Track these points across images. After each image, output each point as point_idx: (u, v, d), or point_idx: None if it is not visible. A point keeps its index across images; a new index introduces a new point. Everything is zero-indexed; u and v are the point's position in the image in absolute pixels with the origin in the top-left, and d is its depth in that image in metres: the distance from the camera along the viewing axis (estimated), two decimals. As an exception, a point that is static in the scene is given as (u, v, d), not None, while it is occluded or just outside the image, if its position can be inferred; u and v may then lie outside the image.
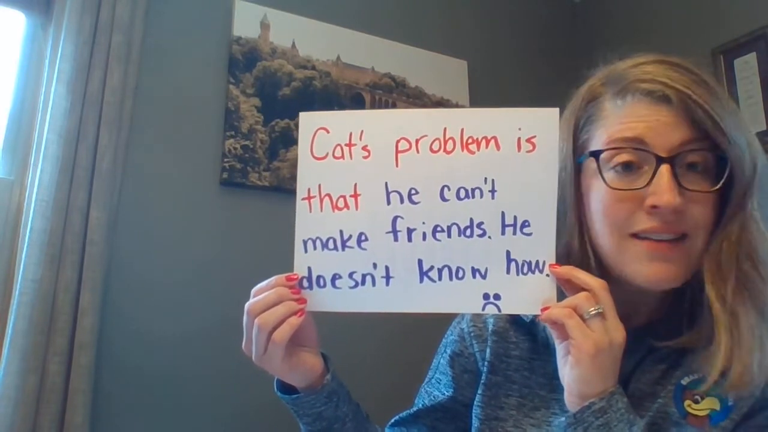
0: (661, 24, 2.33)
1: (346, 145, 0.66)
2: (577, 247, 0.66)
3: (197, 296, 1.74)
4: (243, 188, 1.86)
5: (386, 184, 0.65)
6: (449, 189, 0.64)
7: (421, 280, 0.64)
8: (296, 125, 1.98)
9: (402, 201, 0.65)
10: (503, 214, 0.63)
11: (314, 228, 0.68)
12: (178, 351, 1.68)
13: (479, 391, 0.75)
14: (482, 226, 0.64)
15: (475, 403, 0.75)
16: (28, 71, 1.70)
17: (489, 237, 0.64)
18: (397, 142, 0.65)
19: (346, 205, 0.66)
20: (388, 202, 0.65)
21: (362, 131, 0.66)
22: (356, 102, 2.10)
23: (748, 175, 0.61)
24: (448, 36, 2.37)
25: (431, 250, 0.64)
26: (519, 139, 0.63)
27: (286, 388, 0.73)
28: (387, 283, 0.65)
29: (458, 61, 2.34)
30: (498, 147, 0.64)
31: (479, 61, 2.41)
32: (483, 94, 2.38)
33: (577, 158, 0.68)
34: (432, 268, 0.64)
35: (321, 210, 0.67)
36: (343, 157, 0.66)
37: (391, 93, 2.18)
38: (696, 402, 0.61)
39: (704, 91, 0.61)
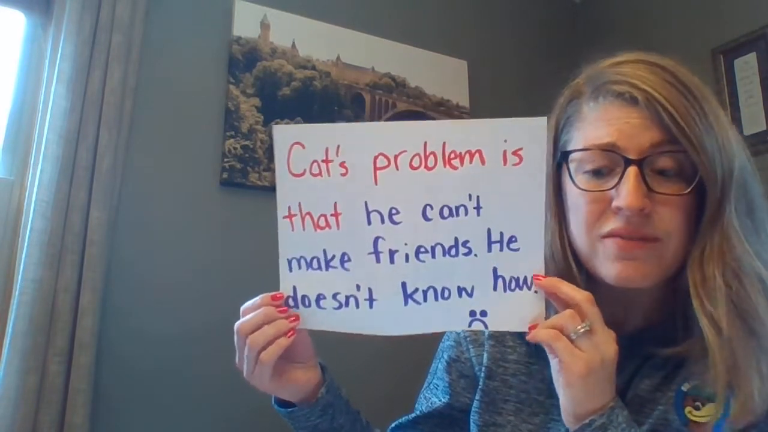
0: (661, 24, 2.33)
1: (323, 161, 0.63)
2: (558, 247, 0.66)
3: (197, 296, 1.74)
4: (243, 188, 1.86)
5: (366, 203, 0.62)
6: (432, 208, 0.61)
7: (406, 303, 0.63)
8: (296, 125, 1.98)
9: (383, 221, 0.62)
10: (489, 231, 0.61)
11: (297, 247, 0.65)
12: (178, 351, 1.68)
13: (477, 397, 0.74)
14: (468, 245, 0.61)
15: (472, 409, 0.75)
16: (28, 71, 1.70)
17: (475, 255, 0.61)
18: (375, 158, 0.62)
19: (328, 225, 0.63)
20: (369, 222, 0.62)
21: (338, 146, 0.62)
22: (356, 102, 2.10)
23: (721, 181, 0.58)
24: (448, 36, 2.37)
25: (415, 271, 0.62)
26: (505, 151, 0.60)
27: (283, 401, 0.72)
28: (371, 306, 0.64)
29: (458, 61, 2.34)
30: (483, 161, 0.60)
31: (479, 61, 2.41)
32: (483, 94, 2.38)
33: (556, 160, 0.68)
34: (416, 290, 0.62)
35: (303, 229, 0.64)
36: (321, 174, 0.63)
37: (391, 93, 2.18)
38: (697, 409, 0.60)
39: (675, 92, 0.60)
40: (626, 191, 0.58)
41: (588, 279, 0.65)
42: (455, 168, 0.61)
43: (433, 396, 0.82)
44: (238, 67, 1.90)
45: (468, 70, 2.35)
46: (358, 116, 2.09)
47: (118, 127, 1.65)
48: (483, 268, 0.61)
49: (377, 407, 0.90)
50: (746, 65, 2.04)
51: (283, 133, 0.64)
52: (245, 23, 1.94)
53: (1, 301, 1.54)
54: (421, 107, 2.23)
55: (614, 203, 0.60)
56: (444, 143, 0.61)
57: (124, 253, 1.67)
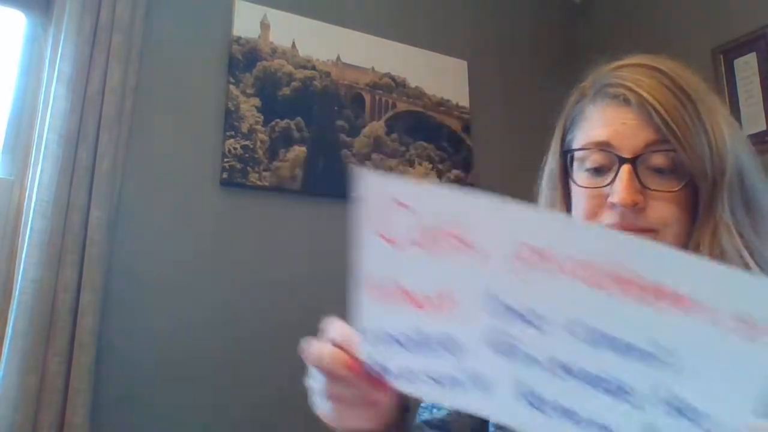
0: (661, 24, 2.33)
1: (436, 232, 0.48)
2: None
3: (197, 296, 1.74)
4: (243, 188, 1.86)
5: (496, 295, 0.48)
6: (592, 331, 0.46)
7: (527, 408, 0.49)
8: (296, 125, 1.99)
9: (517, 320, 0.48)
10: (675, 395, 0.45)
11: (382, 322, 0.51)
12: (178, 350, 1.68)
13: None
14: (629, 394, 0.46)
15: None
16: (28, 71, 1.70)
17: (632, 406, 0.46)
18: (518, 247, 0.47)
19: (433, 306, 0.50)
20: (496, 316, 0.48)
21: (460, 218, 0.48)
22: (356, 102, 2.10)
23: (712, 178, 0.61)
24: (448, 36, 2.37)
25: (544, 382, 0.48)
26: (736, 314, 0.42)
27: None
28: (481, 393, 0.50)
29: (458, 61, 2.34)
30: (693, 311, 0.43)
31: (479, 61, 2.41)
32: (483, 94, 2.38)
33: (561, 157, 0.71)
34: (542, 400, 0.49)
35: (394, 305, 0.50)
36: (432, 247, 0.48)
37: (391, 93, 2.18)
38: None
39: (668, 95, 0.62)
40: (619, 188, 0.62)
41: None
42: (647, 304, 0.44)
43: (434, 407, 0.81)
44: (238, 67, 1.90)
45: (468, 70, 2.36)
46: (358, 116, 2.09)
47: (118, 127, 1.65)
48: (637, 421, 0.47)
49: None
50: (746, 65, 2.04)
51: (377, 184, 0.48)
52: (245, 23, 1.94)
53: (1, 301, 1.54)
54: (421, 107, 2.23)
55: (609, 199, 0.63)
56: (634, 269, 0.44)
57: (124, 253, 1.67)
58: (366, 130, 2.10)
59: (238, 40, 1.92)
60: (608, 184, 0.64)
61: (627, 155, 0.62)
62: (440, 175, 2.22)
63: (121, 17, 1.67)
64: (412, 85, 2.22)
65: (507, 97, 2.41)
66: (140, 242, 1.71)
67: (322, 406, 0.53)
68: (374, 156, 2.09)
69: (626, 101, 0.64)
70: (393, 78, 2.19)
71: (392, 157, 2.13)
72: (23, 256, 1.46)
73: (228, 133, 1.85)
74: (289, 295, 1.86)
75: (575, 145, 0.69)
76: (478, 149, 2.33)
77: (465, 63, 2.36)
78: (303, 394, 0.65)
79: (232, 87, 1.88)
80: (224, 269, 1.79)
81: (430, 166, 2.21)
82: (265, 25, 1.98)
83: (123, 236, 1.68)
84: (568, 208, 0.70)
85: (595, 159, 0.65)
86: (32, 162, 1.55)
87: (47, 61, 1.61)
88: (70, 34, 1.59)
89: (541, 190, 0.74)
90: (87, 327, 1.51)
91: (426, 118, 2.23)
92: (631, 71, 0.66)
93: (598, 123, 0.66)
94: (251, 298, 1.80)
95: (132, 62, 1.70)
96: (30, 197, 1.51)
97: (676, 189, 0.62)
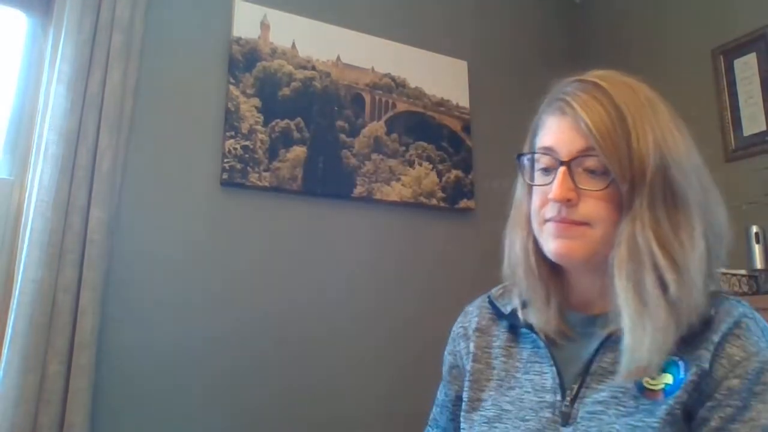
0: (661, 24, 2.34)
1: None
2: (524, 235, 0.81)
3: (197, 296, 1.74)
4: (243, 188, 1.86)
5: None
6: None
7: None
8: (296, 125, 1.99)
9: None
10: None
11: None
12: (177, 350, 1.69)
13: (466, 378, 0.86)
14: None
15: (463, 389, 0.86)
16: (28, 71, 1.70)
17: None
18: None
19: None
20: None
21: None
22: (356, 102, 2.10)
23: (630, 180, 0.71)
24: (448, 36, 2.37)
25: None
26: None
27: None
28: None
29: (458, 61, 2.35)
30: None
31: (479, 61, 2.41)
32: (483, 94, 2.38)
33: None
34: None
35: None
36: None
37: (391, 93, 2.18)
38: (652, 378, 0.70)
39: (598, 108, 0.73)
40: (554, 186, 0.74)
41: (554, 270, 0.79)
42: None
43: (442, 391, 0.94)
44: (238, 68, 1.90)
45: (468, 70, 2.36)
46: (358, 116, 2.09)
47: (118, 127, 1.65)
48: None
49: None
50: (746, 65, 2.04)
51: None
52: (245, 23, 1.94)
53: (1, 301, 1.55)
54: (421, 107, 2.23)
55: (549, 196, 0.75)
56: None
57: (124, 253, 1.67)
58: (366, 130, 2.10)
59: (238, 40, 1.92)
60: (549, 183, 0.75)
61: (564, 158, 0.74)
62: (440, 175, 2.22)
63: (121, 17, 1.67)
64: (412, 85, 2.22)
65: (507, 97, 2.41)
66: (140, 242, 1.71)
67: None
68: (374, 156, 2.09)
69: (564, 113, 0.76)
70: (393, 78, 2.19)
71: (392, 157, 2.13)
72: (23, 256, 1.46)
73: (228, 134, 1.85)
74: (289, 294, 1.86)
75: (535, 149, 0.81)
76: (478, 149, 2.33)
77: (465, 63, 2.36)
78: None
79: (232, 87, 1.88)
80: (224, 269, 1.79)
81: (430, 166, 2.21)
82: (265, 26, 1.98)
83: (123, 236, 1.68)
84: (530, 202, 0.81)
85: (544, 161, 0.78)
86: (32, 162, 1.55)
87: (47, 61, 1.61)
88: (70, 34, 1.59)
89: (516, 188, 0.86)
90: (87, 327, 1.51)
91: (426, 118, 2.23)
92: (576, 87, 0.77)
93: (548, 131, 0.78)
94: (251, 297, 1.80)
95: (132, 62, 1.70)
96: (30, 197, 1.51)
97: (601, 188, 0.72)
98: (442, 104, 2.27)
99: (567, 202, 0.73)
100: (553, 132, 0.77)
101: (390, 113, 2.17)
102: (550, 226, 0.75)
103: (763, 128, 1.96)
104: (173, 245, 1.75)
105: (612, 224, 0.73)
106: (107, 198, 1.60)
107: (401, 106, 2.19)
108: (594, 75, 0.78)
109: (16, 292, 1.44)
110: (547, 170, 0.77)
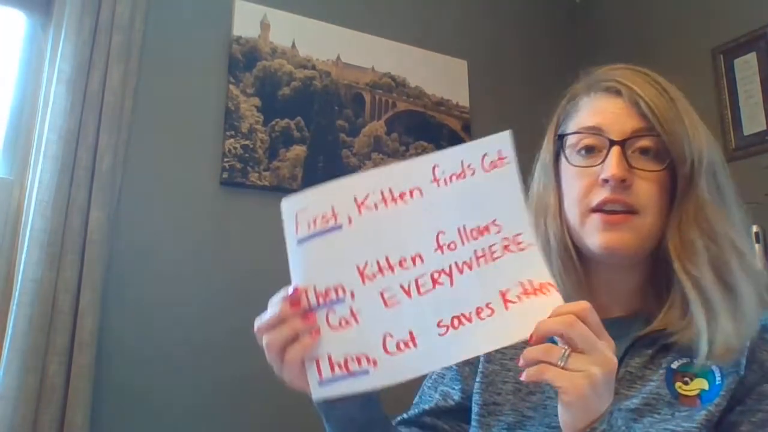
0: (661, 24, 2.33)
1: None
2: (558, 227, 0.75)
3: (197, 296, 1.74)
4: (243, 188, 1.86)
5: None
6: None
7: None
8: (296, 125, 1.99)
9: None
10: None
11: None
12: (178, 350, 1.68)
13: (477, 379, 0.80)
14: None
15: (474, 390, 0.79)
16: (28, 71, 1.70)
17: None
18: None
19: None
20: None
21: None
22: (356, 102, 2.10)
23: (690, 161, 0.69)
24: (448, 36, 2.37)
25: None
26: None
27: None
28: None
29: (458, 61, 2.34)
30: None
31: (479, 61, 2.41)
32: (483, 94, 2.38)
33: (555, 149, 0.79)
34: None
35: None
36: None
37: (391, 93, 2.18)
38: (686, 383, 0.67)
39: (653, 90, 0.71)
40: (610, 164, 0.69)
41: (581, 266, 0.74)
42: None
43: (440, 386, 0.85)
44: (238, 67, 1.90)
45: (468, 70, 2.35)
46: (358, 116, 2.09)
47: (118, 127, 1.65)
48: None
49: (384, 406, 0.89)
50: (746, 65, 2.04)
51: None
52: (245, 23, 1.94)
53: (1, 301, 1.54)
54: (421, 107, 2.23)
55: (601, 176, 0.70)
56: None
57: (124, 253, 1.67)
58: (366, 130, 2.10)
59: (238, 39, 1.92)
60: (599, 164, 0.71)
61: (616, 138, 0.70)
62: (440, 174, 2.22)
63: (121, 17, 1.67)
64: (412, 84, 2.22)
65: (507, 97, 2.41)
66: (140, 242, 1.70)
67: (276, 366, 0.66)
68: (374, 156, 2.09)
69: (617, 93, 0.73)
70: (393, 78, 2.19)
71: (392, 156, 2.13)
72: (23, 256, 1.46)
73: (228, 133, 1.85)
74: (289, 295, 1.86)
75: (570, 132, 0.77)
76: (478, 149, 2.33)
77: (465, 63, 2.36)
78: (303, 393, 0.65)
79: (232, 87, 1.88)
80: (224, 269, 1.79)
81: (430, 165, 2.20)
82: (265, 25, 1.98)
83: (123, 236, 1.68)
84: (559, 192, 0.77)
85: (586, 142, 0.73)
86: (32, 162, 1.55)
87: (47, 61, 1.61)
88: (69, 34, 1.59)
89: (535, 180, 0.81)
90: (87, 327, 1.51)
91: (426, 117, 2.23)
92: (619, 70, 0.75)
93: (590, 112, 0.74)
94: (251, 297, 1.80)
95: (132, 62, 1.70)
96: (30, 197, 1.51)
97: (659, 169, 0.70)
98: (442, 104, 2.27)
99: (621, 183, 0.68)
100: (601, 112, 0.73)
101: (390, 113, 2.17)
102: (596, 218, 0.70)
103: (764, 127, 1.96)
104: (173, 245, 1.74)
105: (660, 212, 0.70)
106: (107, 198, 1.59)
107: (401, 106, 2.19)
108: (630, 65, 0.76)
109: (16, 292, 1.44)
110: (590, 150, 0.73)
